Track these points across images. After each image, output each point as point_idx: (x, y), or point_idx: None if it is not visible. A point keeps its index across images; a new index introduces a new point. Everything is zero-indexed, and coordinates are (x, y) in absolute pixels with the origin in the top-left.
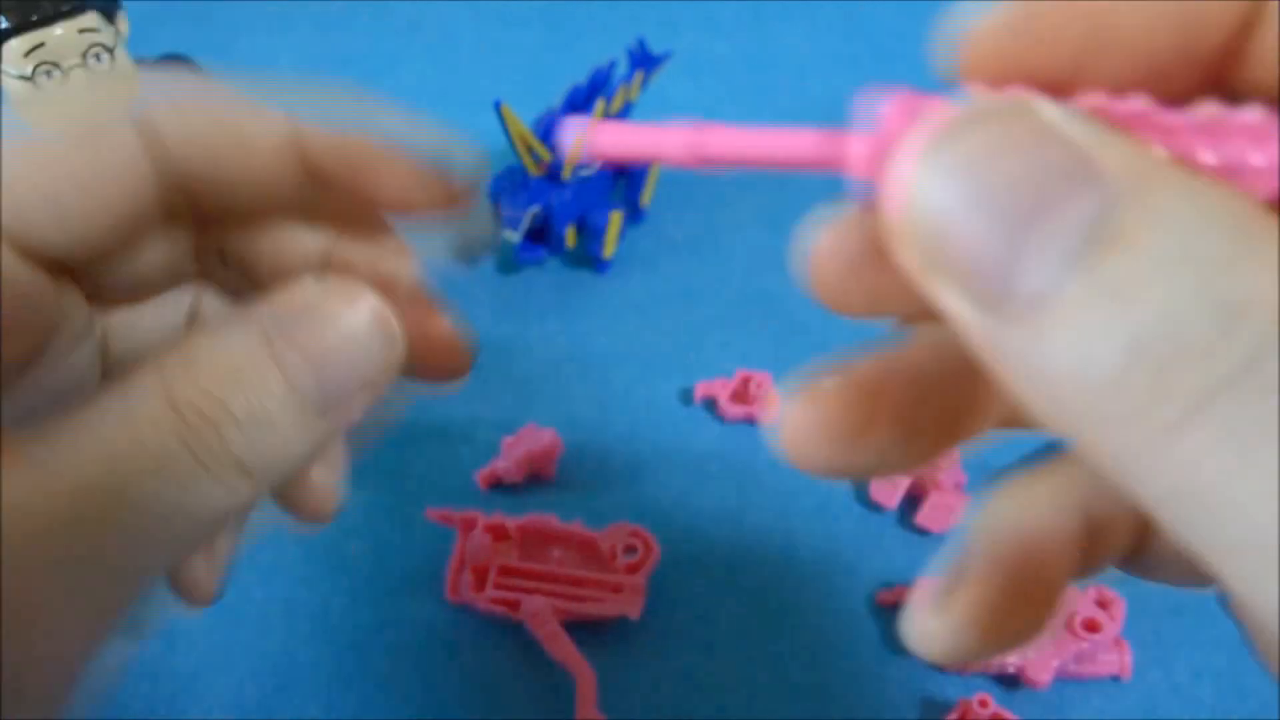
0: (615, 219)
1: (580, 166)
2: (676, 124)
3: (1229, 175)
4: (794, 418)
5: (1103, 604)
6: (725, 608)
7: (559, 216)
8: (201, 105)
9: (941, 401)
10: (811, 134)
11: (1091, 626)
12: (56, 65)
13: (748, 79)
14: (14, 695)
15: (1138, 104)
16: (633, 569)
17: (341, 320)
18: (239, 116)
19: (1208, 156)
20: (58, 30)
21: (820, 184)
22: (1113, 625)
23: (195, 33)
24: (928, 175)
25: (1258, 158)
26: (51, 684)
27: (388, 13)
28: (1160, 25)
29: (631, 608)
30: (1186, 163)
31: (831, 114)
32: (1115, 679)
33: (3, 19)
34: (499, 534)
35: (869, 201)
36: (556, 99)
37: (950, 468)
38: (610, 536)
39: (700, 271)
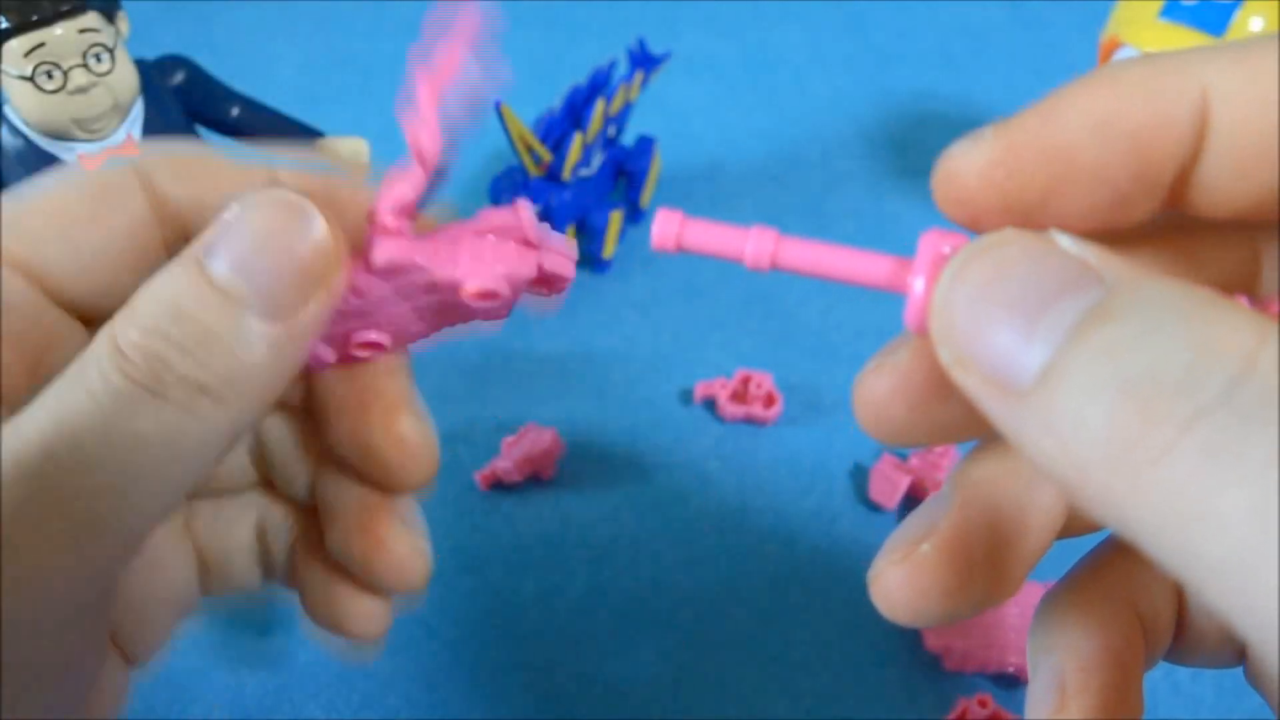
0: (615, 219)
1: (580, 166)
2: (758, 229)
3: None
4: (898, 586)
5: None
6: (725, 607)
7: (559, 216)
8: (190, 153)
9: (1011, 536)
10: (883, 261)
11: None
12: (57, 65)
13: (748, 79)
14: (10, 673)
15: None
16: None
17: (256, 216)
18: (222, 162)
19: None
20: (58, 30)
21: (820, 184)
22: None
23: (195, 33)
24: (957, 282)
25: None
26: (43, 652)
27: (388, 13)
28: (1118, 159)
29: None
30: None
31: (831, 114)
32: None
33: (3, 19)
34: None
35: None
36: (556, 99)
37: (950, 466)
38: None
39: (700, 271)
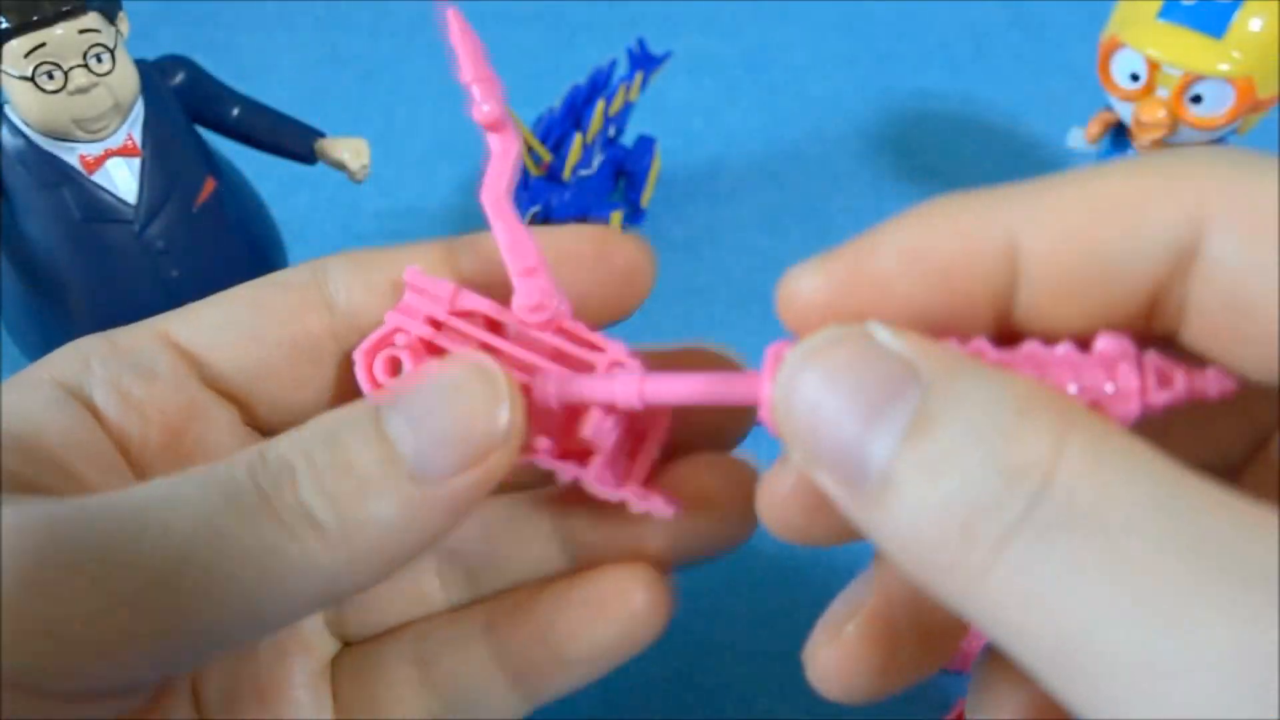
0: (615, 219)
1: (580, 166)
2: (622, 376)
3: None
4: (828, 666)
5: None
6: (725, 606)
7: (559, 216)
8: (372, 259)
9: (935, 608)
10: (740, 378)
11: None
12: (57, 65)
13: (748, 79)
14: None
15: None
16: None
17: (445, 373)
18: (405, 258)
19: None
20: (58, 30)
21: (819, 185)
22: None
23: (195, 33)
24: (793, 390)
25: (1073, 386)
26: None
27: (388, 13)
28: (929, 290)
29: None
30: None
31: (832, 114)
32: None
33: (3, 19)
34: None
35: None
36: (556, 99)
37: None
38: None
39: (700, 272)
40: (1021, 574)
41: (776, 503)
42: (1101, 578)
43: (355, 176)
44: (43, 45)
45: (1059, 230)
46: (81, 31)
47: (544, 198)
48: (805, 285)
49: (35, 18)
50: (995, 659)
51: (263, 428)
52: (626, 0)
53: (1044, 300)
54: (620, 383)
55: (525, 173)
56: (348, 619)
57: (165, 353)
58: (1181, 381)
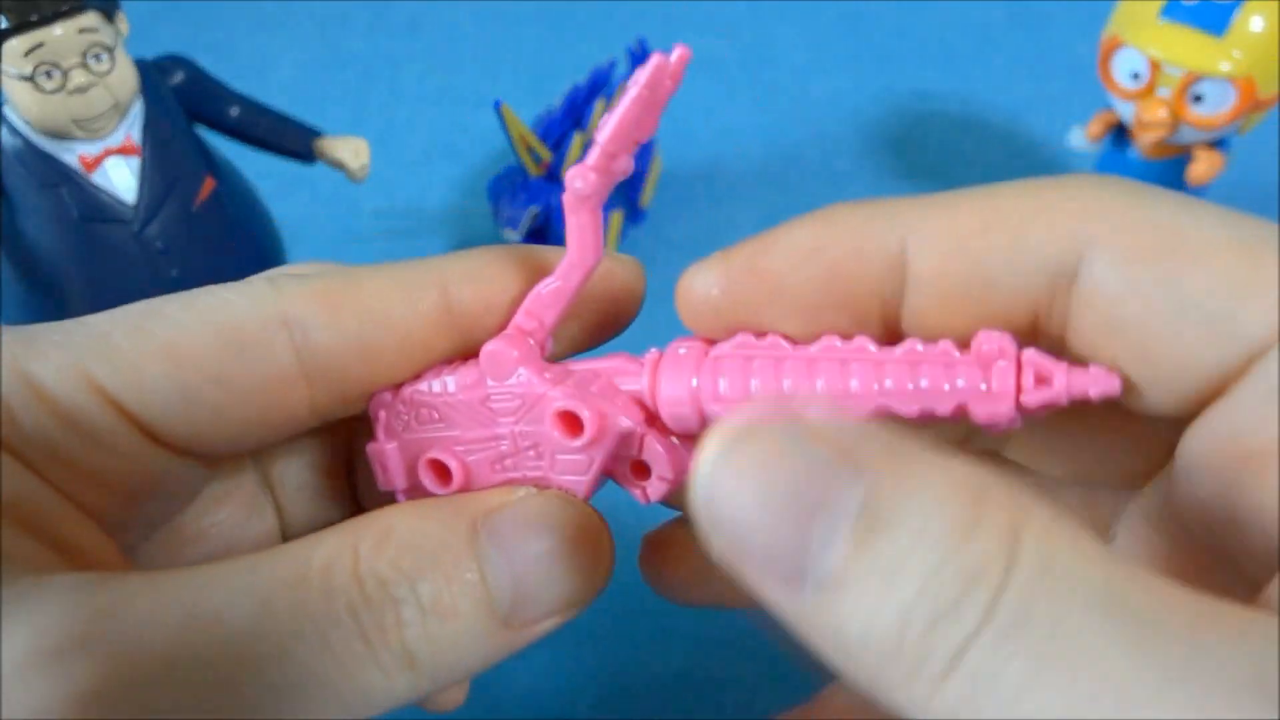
0: (615, 219)
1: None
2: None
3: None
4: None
5: None
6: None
7: (559, 216)
8: (345, 295)
9: None
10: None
11: None
12: (56, 65)
13: (748, 79)
14: None
15: (774, 340)
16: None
17: (554, 535)
18: (381, 286)
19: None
20: (57, 30)
21: (819, 185)
22: None
23: (195, 33)
24: (716, 484)
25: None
26: None
27: (388, 13)
28: (820, 286)
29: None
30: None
31: (832, 114)
32: None
33: (3, 19)
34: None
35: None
36: (556, 99)
37: None
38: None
39: None
40: (978, 681)
41: (668, 566)
42: (1058, 682)
43: (355, 176)
44: (41, 45)
45: (946, 242)
46: (80, 31)
47: (544, 198)
48: (700, 283)
49: (34, 17)
50: None
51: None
52: (626, 0)
53: (929, 308)
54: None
55: (525, 173)
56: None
57: (107, 413)
58: (1061, 380)
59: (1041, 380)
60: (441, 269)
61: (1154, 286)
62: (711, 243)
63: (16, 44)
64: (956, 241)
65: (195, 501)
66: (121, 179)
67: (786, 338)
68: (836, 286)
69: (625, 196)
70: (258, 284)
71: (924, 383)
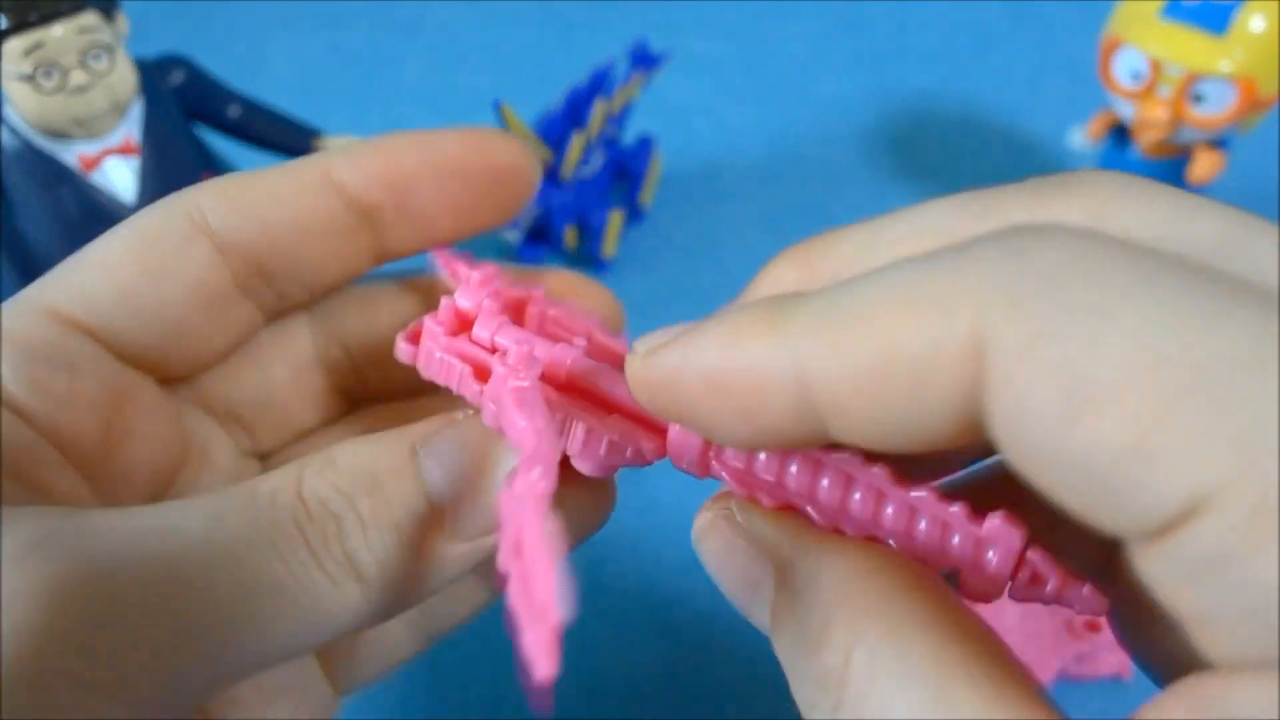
0: (615, 219)
1: (580, 166)
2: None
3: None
4: None
5: None
6: (725, 607)
7: (559, 216)
8: (241, 185)
9: None
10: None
11: (1092, 626)
12: (56, 65)
13: (748, 79)
14: None
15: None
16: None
17: (500, 461)
18: (275, 177)
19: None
20: (57, 30)
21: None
22: None
23: (195, 33)
24: (702, 553)
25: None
26: None
27: (388, 13)
28: (736, 421)
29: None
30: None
31: (832, 114)
32: (1115, 679)
33: (2, 19)
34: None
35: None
36: (556, 99)
37: None
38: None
39: (700, 271)
40: None
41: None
42: None
43: None
44: (41, 44)
45: (843, 387)
46: (80, 31)
47: (544, 198)
48: (636, 380)
49: (33, 17)
50: None
51: (179, 379)
52: (626, 0)
53: (850, 434)
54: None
55: None
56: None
57: (73, 337)
58: (1052, 588)
59: (1035, 581)
60: (326, 155)
61: (1051, 442)
62: (711, 243)
63: (16, 44)
64: (854, 389)
65: (183, 472)
66: (121, 179)
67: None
68: (750, 420)
69: (625, 196)
70: (170, 197)
71: (922, 528)
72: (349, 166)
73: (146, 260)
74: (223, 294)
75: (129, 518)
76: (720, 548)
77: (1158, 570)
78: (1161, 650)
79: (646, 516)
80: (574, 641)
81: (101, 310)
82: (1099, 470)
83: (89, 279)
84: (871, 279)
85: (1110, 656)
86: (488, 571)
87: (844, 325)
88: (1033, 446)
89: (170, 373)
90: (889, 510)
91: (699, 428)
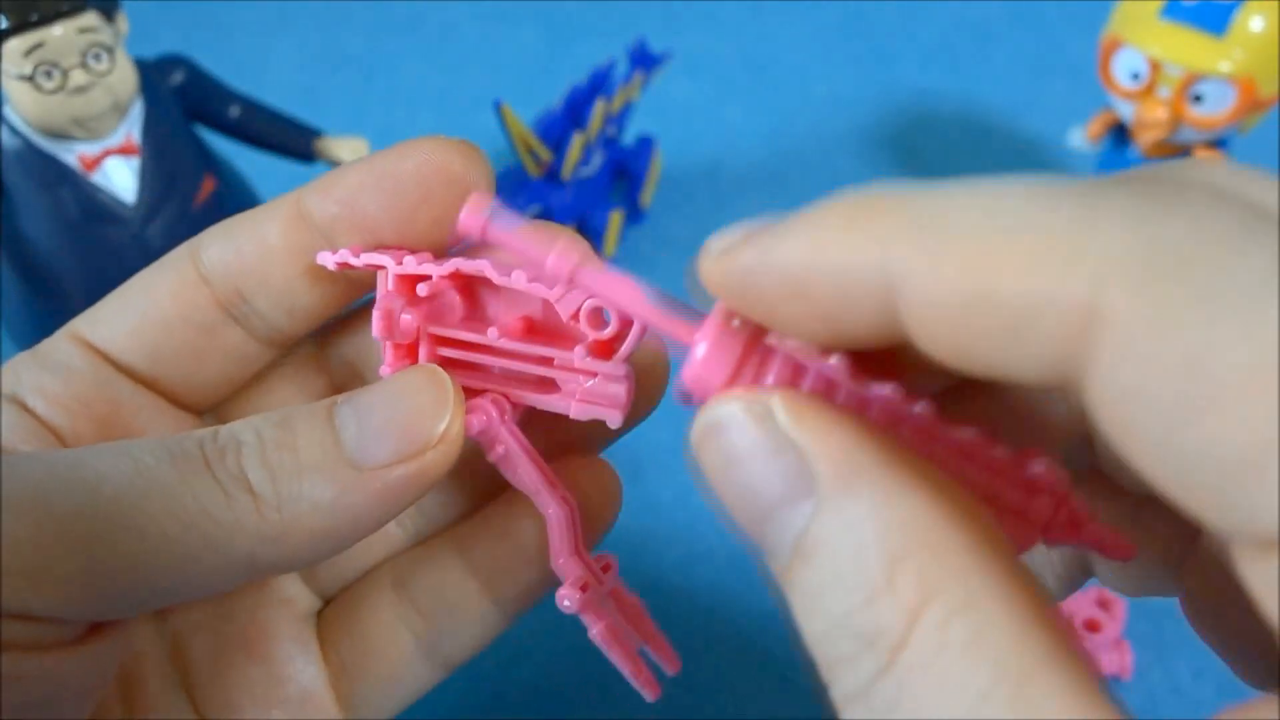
0: (615, 219)
1: (580, 166)
2: (563, 246)
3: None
4: None
5: (1103, 604)
6: (725, 605)
7: (559, 216)
8: (233, 222)
9: None
10: (674, 316)
11: (1092, 626)
12: (56, 65)
13: (748, 79)
14: None
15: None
16: (604, 349)
17: (399, 377)
18: (256, 211)
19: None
20: (57, 30)
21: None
22: (1113, 625)
23: (195, 33)
24: (702, 458)
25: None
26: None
27: (388, 13)
28: (815, 319)
29: (609, 407)
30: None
31: (832, 114)
32: (1116, 679)
33: (2, 18)
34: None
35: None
36: (556, 99)
37: None
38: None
39: None
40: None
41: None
42: None
43: None
44: (41, 45)
45: (933, 311)
46: (80, 31)
47: (544, 198)
48: (712, 259)
49: (34, 17)
50: None
51: (193, 409)
52: (626, 0)
53: (932, 350)
54: (557, 254)
55: (525, 173)
56: (319, 573)
57: (76, 349)
58: (1088, 533)
59: (1073, 524)
60: (299, 190)
61: (1164, 434)
62: None
63: (16, 44)
64: (941, 321)
65: None
66: (121, 179)
67: (849, 361)
68: (832, 323)
69: (625, 196)
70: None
71: (971, 472)
72: (312, 191)
73: (143, 277)
74: (205, 312)
75: (69, 450)
76: (741, 448)
77: (1266, 578)
78: (1248, 644)
79: (647, 517)
80: (574, 640)
81: (102, 328)
82: (1215, 469)
83: (101, 304)
84: (978, 197)
85: (1110, 656)
86: (501, 598)
87: (944, 241)
88: (1142, 433)
89: (173, 389)
90: (939, 443)
91: (775, 326)
